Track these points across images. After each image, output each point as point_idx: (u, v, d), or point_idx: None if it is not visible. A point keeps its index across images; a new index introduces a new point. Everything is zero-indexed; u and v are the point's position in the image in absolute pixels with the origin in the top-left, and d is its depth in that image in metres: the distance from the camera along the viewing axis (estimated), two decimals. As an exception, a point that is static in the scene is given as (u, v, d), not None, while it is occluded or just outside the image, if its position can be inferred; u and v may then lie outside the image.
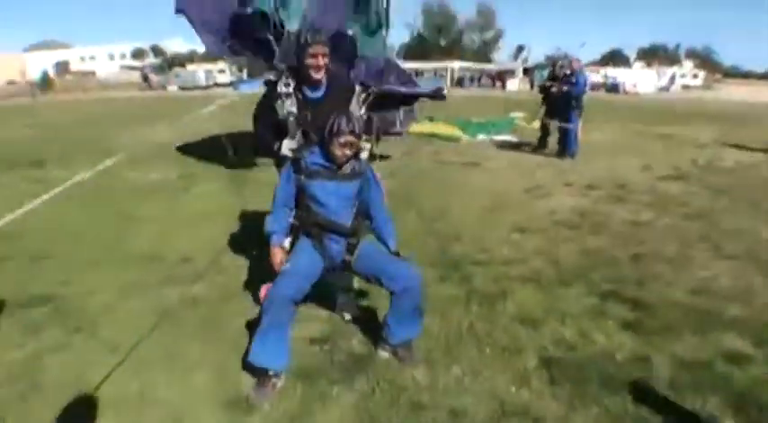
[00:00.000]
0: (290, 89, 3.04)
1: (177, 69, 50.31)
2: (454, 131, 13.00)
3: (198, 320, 3.55)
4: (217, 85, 44.28)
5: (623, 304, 3.71)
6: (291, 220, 2.93)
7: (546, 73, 13.77)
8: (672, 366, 2.94)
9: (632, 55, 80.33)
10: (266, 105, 3.19)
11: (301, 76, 3.03)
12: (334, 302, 3.51)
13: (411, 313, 2.96)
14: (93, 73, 60.07)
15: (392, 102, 3.52)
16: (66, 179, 8.33)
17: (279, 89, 3.05)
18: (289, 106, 3.04)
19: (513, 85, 44.50)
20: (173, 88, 44.27)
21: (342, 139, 2.69)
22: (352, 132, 2.68)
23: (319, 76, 2.98)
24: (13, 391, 2.83)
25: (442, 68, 50.96)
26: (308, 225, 2.89)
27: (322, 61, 2.93)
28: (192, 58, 61.77)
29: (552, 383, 2.80)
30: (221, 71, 45.98)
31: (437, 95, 3.48)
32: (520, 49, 71.04)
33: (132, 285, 4.13)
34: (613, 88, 41.80)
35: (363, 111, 3.15)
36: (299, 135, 3.08)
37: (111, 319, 3.60)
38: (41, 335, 3.41)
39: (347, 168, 2.84)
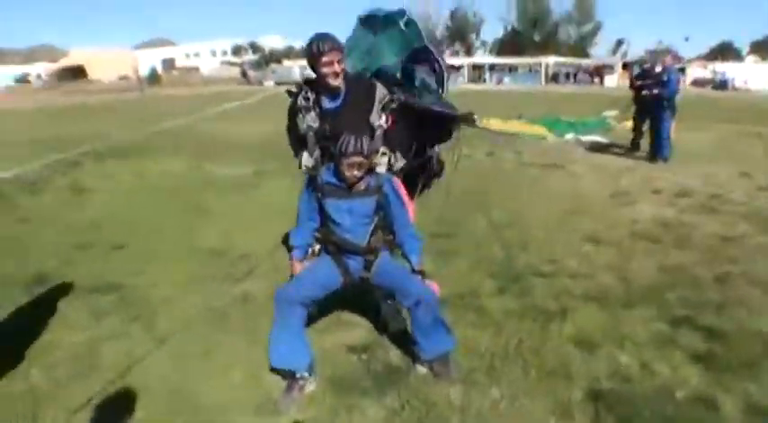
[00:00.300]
0: (310, 103, 2.97)
1: (274, 65, 52.64)
2: (540, 130, 12.47)
3: (245, 318, 3.61)
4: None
5: (696, 332, 3.33)
6: (316, 233, 2.95)
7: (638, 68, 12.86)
8: (742, 411, 2.59)
9: (744, 48, 73.33)
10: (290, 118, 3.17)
11: (320, 87, 2.95)
12: (378, 310, 3.43)
13: (433, 326, 2.85)
14: (196, 69, 64.16)
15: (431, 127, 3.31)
16: (156, 171, 8.94)
17: (298, 103, 3.01)
18: (309, 121, 2.98)
19: (612, 81, 42.14)
20: (269, 83, 46.33)
21: (349, 161, 2.66)
22: (359, 153, 2.65)
23: (337, 82, 2.87)
24: (71, 370, 3.05)
25: (535, 64, 49.33)
26: (327, 242, 2.90)
27: (338, 67, 2.82)
28: (288, 54, 64.22)
29: (597, 419, 2.56)
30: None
31: (467, 120, 3.25)
32: (619, 43, 67.36)
33: (193, 279, 4.31)
34: (722, 85, 38.39)
35: (383, 120, 3.00)
36: (317, 151, 3.02)
37: (167, 312, 3.76)
38: (103, 321, 3.64)
39: (361, 185, 2.80)
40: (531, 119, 13.92)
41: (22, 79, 53.69)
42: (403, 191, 3.02)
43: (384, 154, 3.00)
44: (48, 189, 7.78)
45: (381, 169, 2.95)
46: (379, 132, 2.98)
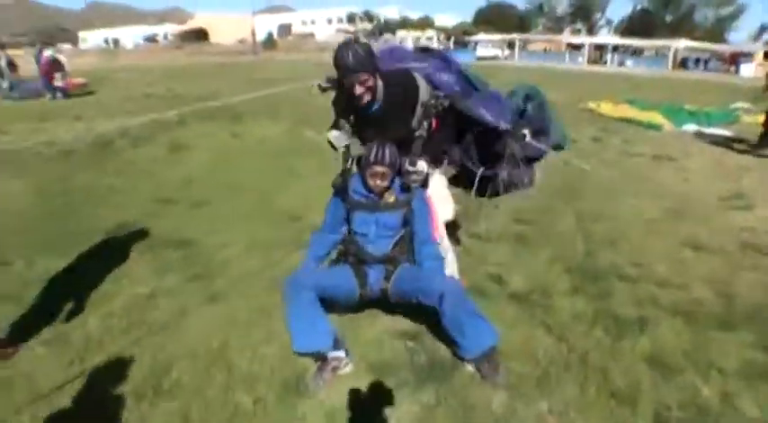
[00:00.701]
0: (351, 135, 2.96)
1: (387, 35, 52.83)
2: (656, 117, 11.38)
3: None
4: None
5: (801, 369, 2.81)
6: (339, 246, 2.97)
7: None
8: None
9: None
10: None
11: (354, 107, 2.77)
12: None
13: (467, 322, 2.61)
14: (312, 35, 65.60)
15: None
16: (254, 133, 9.17)
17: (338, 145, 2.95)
18: (353, 151, 2.96)
19: (749, 70, 37.67)
20: (381, 53, 46.62)
21: (371, 171, 2.71)
22: (380, 163, 2.67)
23: (367, 98, 2.67)
24: (122, 322, 3.15)
25: (663, 47, 45.24)
26: (348, 253, 2.89)
27: (362, 88, 2.60)
28: (404, 24, 63.99)
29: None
30: (429, 38, 47.28)
31: (515, 136, 2.96)
32: (762, 29, 60.11)
33: (262, 243, 4.32)
34: None
35: (425, 126, 2.79)
36: (347, 127, 2.92)
37: (227, 274, 3.79)
38: (165, 276, 3.75)
39: (389, 198, 2.81)
40: (648, 105, 12.77)
41: (151, 39, 57.92)
42: (433, 208, 2.94)
43: (418, 163, 2.81)
44: (149, 144, 8.24)
45: (417, 177, 2.81)
46: (419, 139, 2.84)
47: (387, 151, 2.67)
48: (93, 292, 3.46)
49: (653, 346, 2.98)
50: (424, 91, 2.83)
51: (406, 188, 2.83)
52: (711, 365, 2.80)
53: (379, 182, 2.74)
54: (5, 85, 14.28)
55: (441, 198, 3.12)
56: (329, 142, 2.98)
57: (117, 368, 2.69)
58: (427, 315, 2.86)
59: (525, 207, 5.39)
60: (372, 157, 2.67)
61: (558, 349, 2.94)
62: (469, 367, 2.72)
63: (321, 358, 2.66)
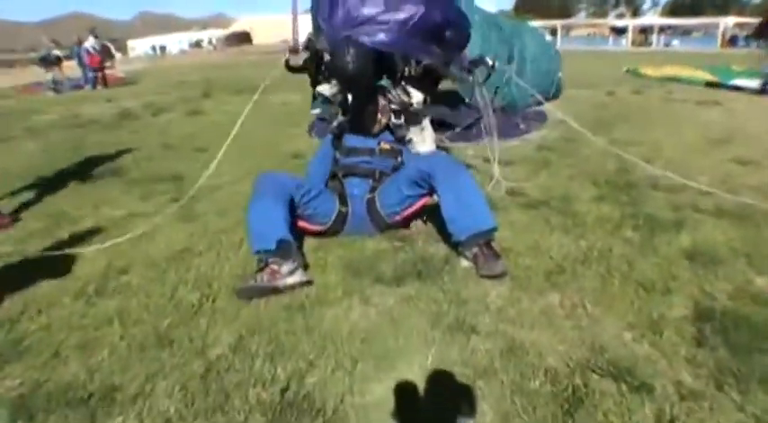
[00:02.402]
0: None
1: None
2: (701, 73, 10.45)
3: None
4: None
5: None
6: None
7: None
8: None
9: None
10: None
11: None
12: None
13: (462, 195, 2.29)
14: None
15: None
16: (274, 101, 8.93)
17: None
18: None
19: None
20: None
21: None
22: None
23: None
24: (91, 237, 2.87)
25: (712, 26, 42.45)
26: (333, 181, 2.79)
27: None
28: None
29: (697, 343, 1.71)
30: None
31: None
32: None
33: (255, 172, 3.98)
34: None
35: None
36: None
37: (211, 197, 3.49)
38: (148, 202, 3.51)
39: (384, 144, 2.81)
40: (693, 66, 11.80)
41: (196, 44, 59.05)
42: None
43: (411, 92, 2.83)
44: (169, 112, 8.09)
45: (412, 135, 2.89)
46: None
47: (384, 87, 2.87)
48: (73, 218, 3.22)
49: (694, 242, 2.47)
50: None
51: (398, 139, 2.86)
52: (767, 258, 2.25)
53: (379, 116, 2.81)
54: (49, 77, 14.59)
55: (423, 137, 2.94)
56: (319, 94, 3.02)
57: (63, 270, 2.40)
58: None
59: (551, 136, 4.87)
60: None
61: (577, 245, 2.47)
62: (465, 262, 2.28)
63: (263, 262, 2.19)
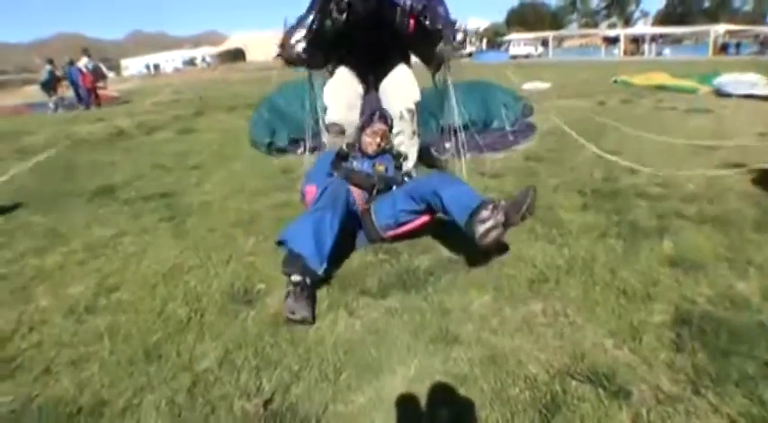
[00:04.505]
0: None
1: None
2: (691, 83, 10.56)
3: (274, 223, 3.17)
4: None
5: None
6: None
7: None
8: None
9: None
10: None
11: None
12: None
13: (459, 192, 2.39)
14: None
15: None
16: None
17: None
18: None
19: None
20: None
21: (372, 128, 3.01)
22: (381, 120, 3.05)
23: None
24: (79, 256, 2.89)
25: (703, 35, 42.96)
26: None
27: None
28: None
29: (677, 348, 1.74)
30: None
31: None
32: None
33: (248, 191, 4.03)
34: None
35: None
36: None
37: (201, 214, 3.51)
38: (138, 221, 3.49)
39: (380, 166, 2.93)
40: (682, 74, 11.95)
41: (190, 62, 59.23)
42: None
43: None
44: (162, 131, 8.12)
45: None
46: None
47: (385, 113, 3.12)
48: (63, 236, 3.23)
49: (677, 248, 2.51)
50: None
51: (397, 167, 3.03)
52: (750, 263, 2.32)
53: (378, 140, 2.97)
54: (51, 105, 14.65)
55: (405, 82, 3.27)
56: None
57: (55, 292, 2.42)
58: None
59: (539, 147, 4.94)
60: (377, 116, 3.03)
61: (560, 253, 2.51)
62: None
63: (289, 267, 2.19)
